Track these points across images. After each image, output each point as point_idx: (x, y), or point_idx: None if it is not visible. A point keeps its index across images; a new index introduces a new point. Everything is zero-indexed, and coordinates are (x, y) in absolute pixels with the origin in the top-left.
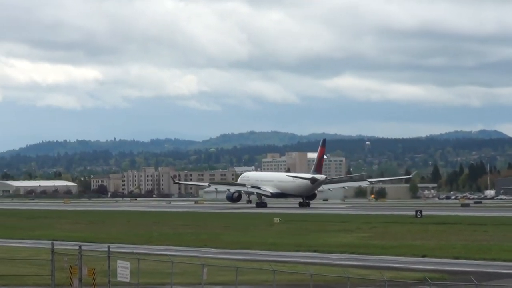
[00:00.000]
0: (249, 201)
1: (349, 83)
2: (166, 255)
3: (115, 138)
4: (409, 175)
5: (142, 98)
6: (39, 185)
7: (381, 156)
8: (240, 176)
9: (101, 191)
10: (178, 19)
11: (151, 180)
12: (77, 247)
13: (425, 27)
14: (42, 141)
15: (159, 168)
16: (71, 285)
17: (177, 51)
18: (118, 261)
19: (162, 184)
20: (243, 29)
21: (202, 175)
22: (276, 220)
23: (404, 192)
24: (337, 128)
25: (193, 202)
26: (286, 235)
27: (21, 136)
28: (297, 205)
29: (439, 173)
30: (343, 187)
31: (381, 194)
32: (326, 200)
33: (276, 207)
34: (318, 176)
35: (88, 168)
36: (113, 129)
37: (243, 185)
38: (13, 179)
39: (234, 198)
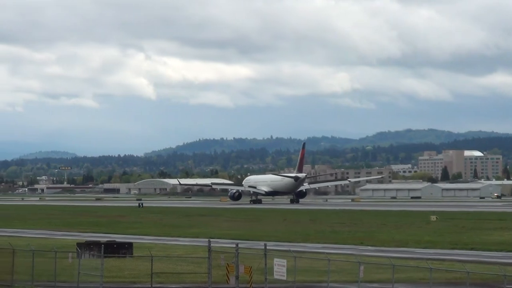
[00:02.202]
0: (251, 200)
1: (503, 80)
2: (322, 253)
3: (271, 136)
4: None
5: (295, 96)
6: (196, 183)
7: None
8: (244, 179)
9: None
10: (328, 17)
11: None
12: (234, 245)
13: None
14: (199, 139)
15: (316, 166)
16: (227, 283)
17: (328, 49)
18: (275, 259)
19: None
20: (393, 27)
21: (359, 173)
22: (433, 218)
23: None
24: (493, 125)
25: (350, 200)
26: (443, 233)
27: (177, 134)
28: (289, 203)
29: None
30: (328, 186)
31: None
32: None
33: (269, 203)
34: (300, 175)
35: (245, 166)
36: (269, 127)
37: (241, 185)
38: (170, 177)
39: (235, 197)
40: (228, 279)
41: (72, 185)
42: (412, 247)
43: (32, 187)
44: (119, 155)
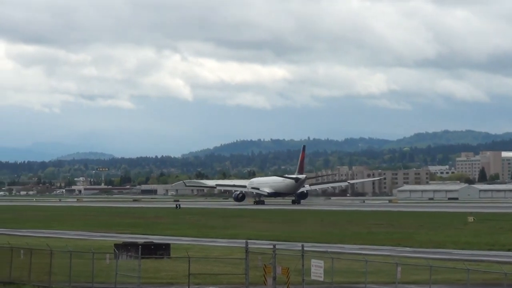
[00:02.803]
0: (255, 201)
1: None
2: (359, 254)
3: (309, 137)
4: None
5: (331, 97)
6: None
7: None
8: (248, 181)
9: None
10: (363, 18)
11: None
12: (271, 246)
13: None
14: (236, 140)
15: (353, 167)
16: (265, 284)
17: (364, 50)
18: (312, 260)
19: (356, 184)
20: (428, 28)
21: (396, 174)
22: (470, 219)
23: None
24: None
25: (387, 201)
26: (480, 234)
27: (214, 135)
28: (290, 204)
29: None
30: (329, 187)
31: None
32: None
33: (271, 204)
34: (300, 176)
35: (282, 167)
36: (306, 128)
37: (244, 186)
38: (207, 178)
39: (238, 198)
40: (266, 280)
41: (109, 186)
42: (449, 248)
43: (70, 188)
44: (156, 156)
